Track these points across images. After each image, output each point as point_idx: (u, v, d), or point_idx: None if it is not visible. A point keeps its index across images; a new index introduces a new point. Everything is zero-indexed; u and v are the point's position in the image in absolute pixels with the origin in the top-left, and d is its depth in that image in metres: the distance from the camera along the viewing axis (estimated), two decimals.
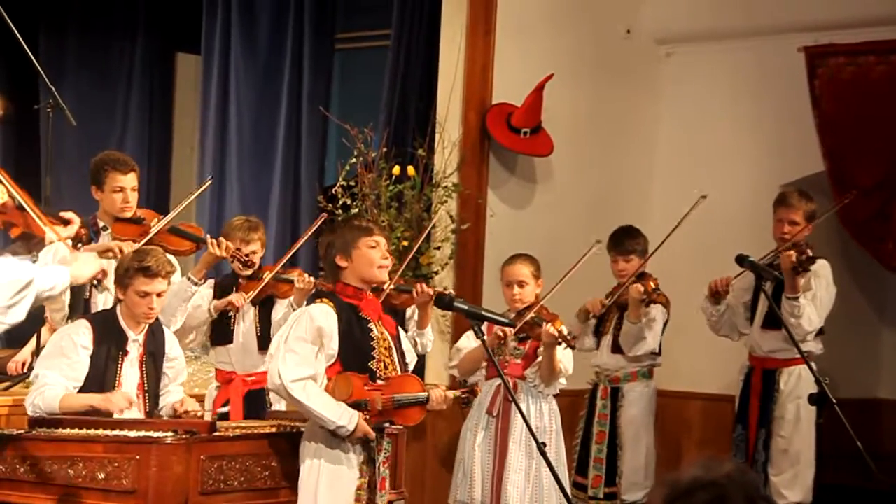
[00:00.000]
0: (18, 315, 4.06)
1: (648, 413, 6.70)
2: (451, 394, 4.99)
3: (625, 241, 6.69)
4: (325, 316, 4.75)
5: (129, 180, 5.96)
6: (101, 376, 5.18)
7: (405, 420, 4.90)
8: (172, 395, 5.41)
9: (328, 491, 4.76)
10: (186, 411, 5.25)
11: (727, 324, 6.58)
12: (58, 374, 5.12)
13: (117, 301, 5.34)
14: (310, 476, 4.81)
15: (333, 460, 4.78)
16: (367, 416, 4.75)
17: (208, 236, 6.12)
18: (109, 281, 5.44)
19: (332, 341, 4.74)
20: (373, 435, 4.76)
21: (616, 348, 6.64)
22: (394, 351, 4.91)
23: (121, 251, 5.59)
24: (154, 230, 5.87)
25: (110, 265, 5.39)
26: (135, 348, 5.29)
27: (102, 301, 5.66)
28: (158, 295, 5.25)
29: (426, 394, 4.89)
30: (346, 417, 4.70)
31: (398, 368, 4.91)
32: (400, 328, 5.18)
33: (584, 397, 6.76)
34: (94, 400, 5.12)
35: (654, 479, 6.68)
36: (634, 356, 6.60)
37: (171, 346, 5.48)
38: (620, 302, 6.60)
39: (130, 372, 5.27)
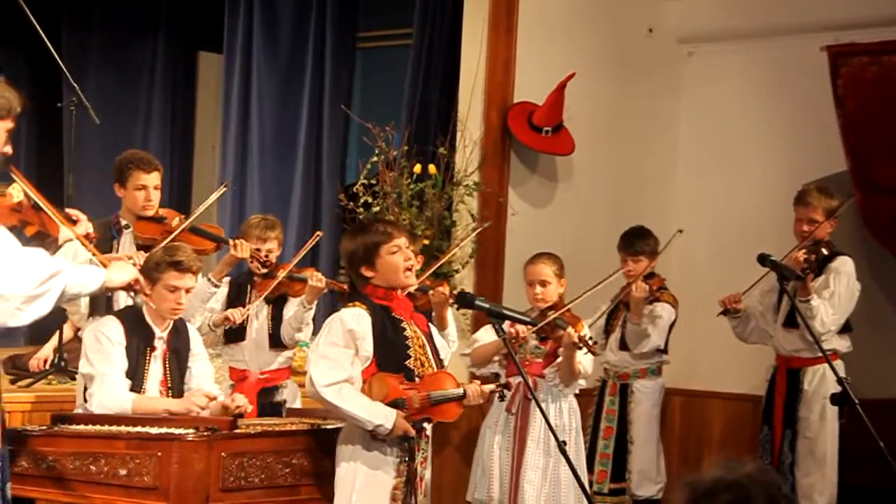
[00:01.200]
0: (43, 308, 3.90)
1: (658, 409, 6.74)
2: (486, 388, 4.96)
3: (635, 241, 6.73)
4: (356, 319, 4.71)
5: (153, 179, 5.99)
6: (131, 372, 5.21)
7: (443, 416, 4.87)
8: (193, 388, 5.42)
9: (364, 491, 4.73)
10: (238, 406, 5.24)
11: (755, 331, 6.55)
12: (118, 370, 5.16)
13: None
14: (346, 478, 4.78)
15: (370, 462, 4.75)
16: (406, 415, 4.72)
17: (232, 239, 6.15)
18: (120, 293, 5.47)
19: (366, 343, 4.71)
20: (412, 432, 4.73)
21: (623, 345, 6.68)
22: (428, 349, 4.88)
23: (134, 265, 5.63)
24: (177, 230, 5.89)
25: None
26: (160, 345, 5.32)
27: (124, 298, 5.68)
28: (187, 291, 5.28)
29: (462, 390, 4.86)
30: (383, 416, 4.66)
31: (434, 366, 4.89)
32: (432, 325, 5.16)
33: (594, 394, 6.77)
34: (173, 405, 5.17)
35: (664, 475, 6.70)
36: (641, 353, 6.63)
37: (195, 342, 5.50)
38: (628, 301, 6.62)
39: (154, 368, 5.30)
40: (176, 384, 5.36)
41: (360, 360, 4.72)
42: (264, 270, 6.22)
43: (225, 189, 6.72)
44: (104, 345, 5.18)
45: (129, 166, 5.97)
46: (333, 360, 4.68)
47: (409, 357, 4.79)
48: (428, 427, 4.88)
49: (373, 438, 4.74)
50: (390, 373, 4.75)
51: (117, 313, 5.41)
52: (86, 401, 5.22)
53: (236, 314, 6.11)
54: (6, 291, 3.78)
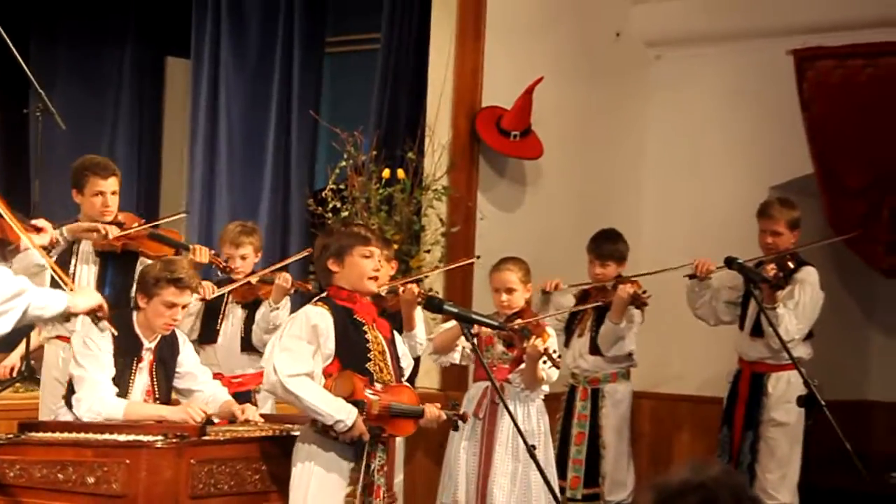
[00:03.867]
0: (4, 326, 3.91)
1: (629, 413, 6.74)
2: (444, 413, 4.96)
3: (604, 245, 6.69)
4: (320, 316, 4.72)
5: (110, 184, 5.99)
6: (115, 381, 5.19)
7: (396, 430, 4.87)
8: (206, 391, 5.43)
9: (317, 494, 4.73)
10: (248, 420, 5.22)
11: (707, 305, 6.58)
12: (108, 375, 5.14)
13: (135, 308, 5.34)
14: (301, 479, 4.78)
15: (325, 464, 4.74)
16: (363, 419, 4.70)
17: (193, 244, 6.16)
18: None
19: (328, 340, 4.72)
20: (367, 436, 4.71)
21: (594, 349, 6.66)
22: (388, 355, 4.88)
23: (106, 233, 5.72)
24: (133, 229, 5.91)
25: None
26: (147, 355, 5.30)
27: None
28: (183, 307, 5.26)
29: (421, 408, 4.87)
30: (344, 412, 4.65)
31: (392, 373, 4.88)
32: (396, 333, 5.15)
33: (561, 399, 6.76)
34: (166, 411, 5.15)
35: (633, 478, 6.72)
36: (613, 357, 6.62)
37: (184, 348, 5.48)
38: (596, 303, 6.61)
39: (140, 379, 5.28)
40: (163, 393, 5.34)
41: (321, 357, 4.72)
42: (236, 276, 6.26)
43: (183, 215, 6.76)
44: (93, 350, 5.15)
45: (85, 172, 5.98)
46: (296, 352, 4.68)
47: (369, 360, 4.79)
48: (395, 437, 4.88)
49: (326, 435, 4.71)
50: (356, 373, 4.74)
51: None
52: (70, 405, 5.19)
53: (208, 288, 6.14)
54: None
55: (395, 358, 4.95)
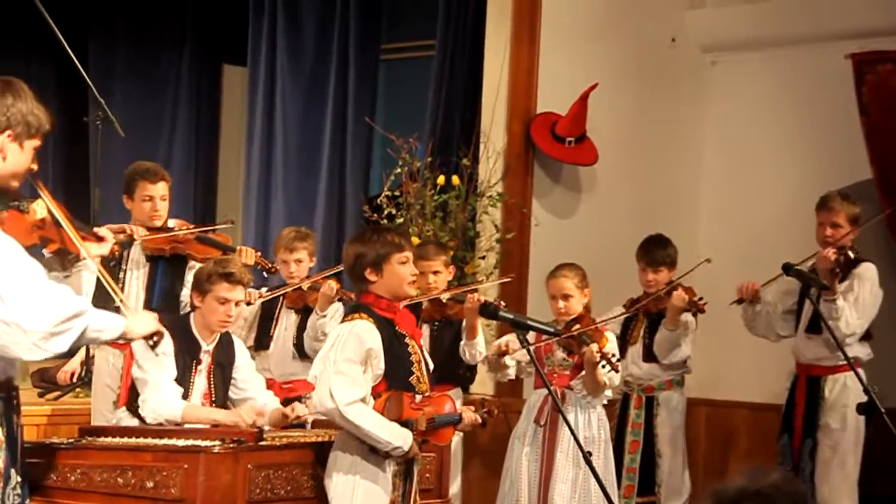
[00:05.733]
0: (61, 346, 3.83)
1: (683, 420, 6.71)
2: (479, 417, 4.94)
3: (656, 251, 6.66)
4: (371, 335, 4.64)
5: (159, 189, 6.05)
6: (177, 383, 5.26)
7: (438, 440, 4.85)
8: (259, 400, 5.45)
9: None
10: (298, 416, 5.25)
11: (764, 323, 6.52)
12: (170, 377, 5.20)
13: (192, 309, 5.41)
14: (344, 490, 4.70)
15: (370, 475, 4.67)
16: (414, 436, 4.67)
17: (239, 246, 6.22)
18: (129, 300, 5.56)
19: (380, 361, 4.64)
20: (420, 456, 4.70)
21: (647, 357, 6.62)
22: (423, 364, 4.83)
23: (132, 233, 5.85)
24: (181, 232, 5.98)
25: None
26: (206, 358, 5.35)
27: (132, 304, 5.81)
28: (237, 303, 5.31)
29: (459, 415, 4.84)
30: (401, 438, 4.61)
31: (427, 382, 4.82)
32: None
33: (615, 407, 6.72)
34: (221, 415, 5.21)
35: (689, 486, 6.68)
36: (667, 364, 6.59)
37: (241, 355, 5.52)
38: (648, 311, 6.59)
39: (199, 381, 5.33)
40: (220, 397, 5.39)
41: (371, 378, 4.64)
42: (291, 280, 6.31)
43: (230, 224, 6.84)
44: (156, 352, 5.20)
45: (135, 178, 6.06)
46: (351, 377, 4.58)
47: (412, 374, 4.73)
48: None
49: (371, 451, 4.66)
50: (399, 390, 4.69)
51: (165, 323, 5.43)
52: (137, 408, 5.25)
53: (253, 294, 6.18)
54: (27, 325, 3.73)
55: (427, 364, 4.89)
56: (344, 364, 4.60)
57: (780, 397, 6.59)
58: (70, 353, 7.01)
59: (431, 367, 5.06)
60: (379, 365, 4.65)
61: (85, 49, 9.14)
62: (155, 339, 4.23)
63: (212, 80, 9.84)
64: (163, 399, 5.16)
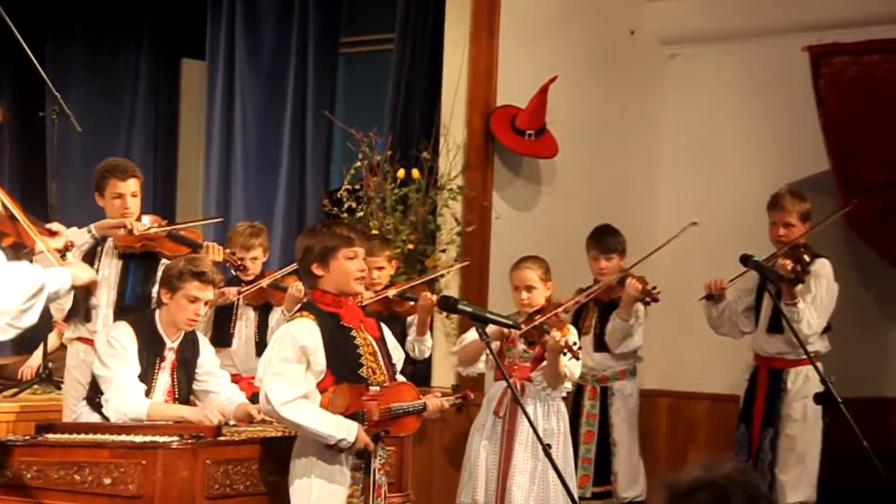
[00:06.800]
0: (31, 318, 4.11)
1: (637, 409, 6.75)
2: (446, 402, 4.95)
3: (607, 238, 6.71)
4: (307, 332, 4.60)
5: (130, 186, 6.02)
6: (140, 380, 5.23)
7: (400, 429, 4.83)
8: (223, 393, 5.45)
9: (320, 502, 4.65)
10: (264, 419, 5.19)
11: (727, 322, 6.56)
12: (133, 374, 5.16)
13: (157, 305, 5.37)
14: (300, 493, 4.69)
15: (325, 473, 4.65)
16: (365, 427, 4.63)
17: (207, 242, 6.18)
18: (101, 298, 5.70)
19: (318, 357, 4.61)
20: (372, 446, 4.66)
21: (598, 346, 6.64)
22: (380, 355, 4.79)
23: (132, 228, 5.83)
24: (153, 230, 5.94)
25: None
26: (169, 355, 5.32)
27: (104, 301, 5.82)
28: (206, 303, 5.28)
29: (422, 402, 4.82)
30: (345, 430, 4.58)
31: (385, 372, 4.79)
32: (384, 326, 5.03)
33: (568, 397, 6.74)
34: (187, 412, 5.18)
35: (644, 474, 6.71)
36: (620, 354, 6.62)
37: (205, 351, 5.50)
38: (599, 300, 6.60)
39: (162, 378, 5.30)
40: (183, 394, 5.37)
41: (312, 375, 4.62)
42: (247, 277, 6.28)
43: (219, 220, 6.77)
44: (118, 349, 5.19)
45: (104, 175, 6.02)
46: (288, 376, 4.57)
47: (361, 366, 4.70)
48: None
49: (326, 450, 4.64)
50: (348, 382, 4.66)
51: (128, 319, 5.41)
52: (97, 403, 5.22)
53: (231, 291, 6.19)
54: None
55: (387, 356, 4.86)
56: (279, 364, 4.59)
57: (740, 388, 6.63)
58: (29, 350, 7.00)
59: (399, 355, 5.05)
60: (318, 361, 4.61)
61: (42, 47, 9.07)
62: (92, 288, 4.50)
63: (170, 75, 9.78)
64: (126, 398, 5.12)
